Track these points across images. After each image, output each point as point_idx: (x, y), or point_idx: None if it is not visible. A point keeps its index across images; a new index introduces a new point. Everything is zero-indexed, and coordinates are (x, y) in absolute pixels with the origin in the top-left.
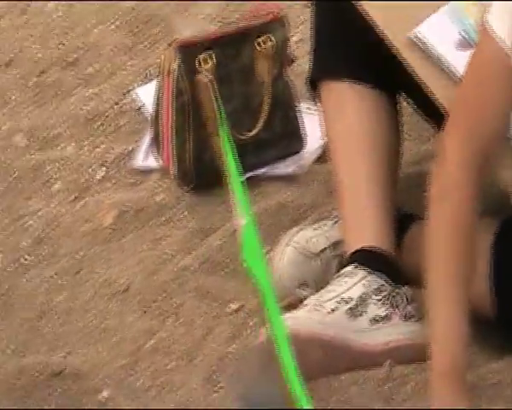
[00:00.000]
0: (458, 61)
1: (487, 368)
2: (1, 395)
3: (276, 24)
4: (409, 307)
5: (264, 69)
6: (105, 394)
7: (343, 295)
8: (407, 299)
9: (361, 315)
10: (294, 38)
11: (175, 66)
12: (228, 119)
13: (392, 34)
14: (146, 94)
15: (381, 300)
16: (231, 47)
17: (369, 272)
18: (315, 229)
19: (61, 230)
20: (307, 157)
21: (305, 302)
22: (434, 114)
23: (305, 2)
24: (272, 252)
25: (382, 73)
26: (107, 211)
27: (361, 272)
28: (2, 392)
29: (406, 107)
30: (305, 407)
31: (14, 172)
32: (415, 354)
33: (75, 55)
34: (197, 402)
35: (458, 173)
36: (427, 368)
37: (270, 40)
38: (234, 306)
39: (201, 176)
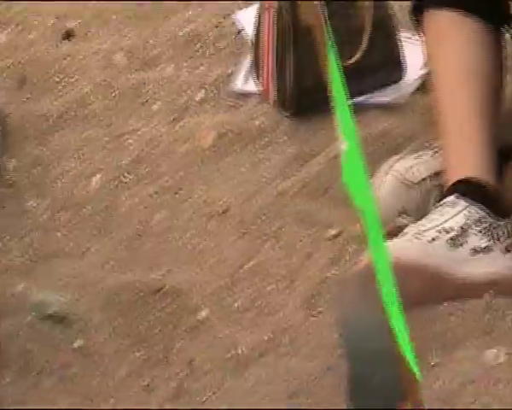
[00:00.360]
0: None
1: None
2: (100, 311)
3: None
4: (509, 241)
5: None
6: (203, 313)
7: (444, 225)
8: (508, 232)
9: (461, 245)
10: None
11: None
12: None
13: None
14: (246, 18)
15: (481, 231)
16: None
17: (471, 203)
18: (415, 158)
19: (161, 149)
20: (407, 87)
21: (405, 231)
22: None
23: None
24: (372, 180)
25: (487, 5)
26: (207, 133)
27: (462, 203)
28: (101, 307)
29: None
30: (402, 336)
31: (114, 91)
32: None
33: None
34: (295, 326)
35: None
36: None
37: None
38: (333, 231)
39: (301, 101)
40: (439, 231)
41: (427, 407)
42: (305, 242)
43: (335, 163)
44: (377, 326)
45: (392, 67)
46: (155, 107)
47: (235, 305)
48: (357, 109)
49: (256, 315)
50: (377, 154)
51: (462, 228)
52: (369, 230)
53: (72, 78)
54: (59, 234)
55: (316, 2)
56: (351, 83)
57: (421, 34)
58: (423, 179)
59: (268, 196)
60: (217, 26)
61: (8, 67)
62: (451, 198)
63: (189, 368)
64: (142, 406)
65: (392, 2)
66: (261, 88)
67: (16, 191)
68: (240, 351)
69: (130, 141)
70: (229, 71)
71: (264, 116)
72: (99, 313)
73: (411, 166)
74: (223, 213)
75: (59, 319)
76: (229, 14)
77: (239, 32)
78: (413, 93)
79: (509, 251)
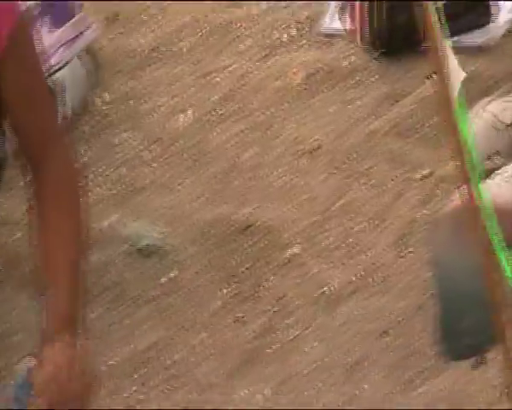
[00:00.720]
0: None
1: None
2: (194, 244)
3: None
4: None
5: None
6: (294, 250)
7: None
8: None
9: None
10: None
11: None
12: None
13: None
14: None
15: None
16: None
17: None
18: (506, 101)
19: (251, 86)
20: (497, 29)
21: (497, 172)
22: None
23: None
24: None
25: None
26: (297, 70)
27: None
28: (194, 240)
29: None
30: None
31: (204, 28)
32: None
33: None
34: (386, 265)
35: None
36: None
37: None
38: (424, 172)
39: (392, 41)
40: None
41: None
42: (396, 181)
43: (426, 103)
44: (469, 269)
45: (481, 9)
46: (245, 44)
47: (326, 242)
48: None
49: (347, 253)
50: (468, 96)
51: None
52: (468, 169)
53: (163, 14)
54: (152, 167)
55: None
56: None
57: None
58: None
59: (359, 134)
60: None
61: (101, 2)
62: None
63: (279, 304)
64: (235, 339)
65: None
66: (352, 27)
67: (109, 124)
68: (331, 288)
69: (221, 77)
70: (320, 10)
71: (355, 55)
72: (192, 246)
73: (503, 109)
74: (313, 150)
75: (153, 250)
76: None
77: None
78: (503, 36)
79: None
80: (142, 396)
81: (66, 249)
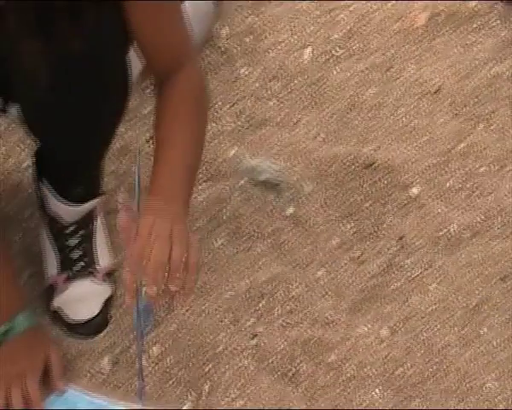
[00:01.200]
0: None
1: None
2: (312, 181)
3: None
4: None
5: None
6: (415, 190)
7: None
8: None
9: None
10: None
11: None
12: None
13: None
14: None
15: None
16: None
17: None
18: None
19: (373, 26)
20: None
21: None
22: None
23: None
24: None
25: None
26: (420, 12)
27: None
28: (313, 177)
29: None
30: None
31: None
32: None
33: None
34: (508, 210)
35: None
36: None
37: None
38: None
39: None
40: None
41: None
42: None
43: None
44: None
45: None
46: None
47: (447, 184)
48: None
49: (468, 196)
50: None
51: None
52: None
53: None
54: (270, 103)
55: None
56: None
57: None
58: None
59: (481, 78)
60: None
61: None
62: None
63: (399, 244)
64: (353, 277)
65: None
66: None
67: (229, 59)
68: (451, 230)
69: (342, 16)
70: None
71: None
72: (310, 183)
73: None
74: (434, 92)
75: (271, 186)
76: None
77: None
78: None
79: None
80: (261, 328)
81: (185, 148)
